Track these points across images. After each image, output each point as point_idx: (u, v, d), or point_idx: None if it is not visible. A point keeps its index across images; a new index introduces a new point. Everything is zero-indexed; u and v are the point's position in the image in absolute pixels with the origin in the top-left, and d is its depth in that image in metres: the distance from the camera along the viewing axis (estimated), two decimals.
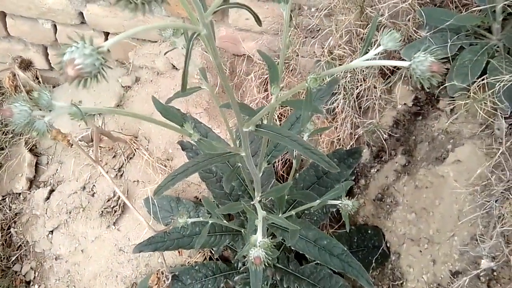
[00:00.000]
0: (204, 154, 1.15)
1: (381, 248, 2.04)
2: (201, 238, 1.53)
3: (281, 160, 2.39)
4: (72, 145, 2.27)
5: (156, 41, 2.57)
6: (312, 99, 0.81)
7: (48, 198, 2.80)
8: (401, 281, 1.94)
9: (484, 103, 1.67)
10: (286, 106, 2.26)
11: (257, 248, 0.93)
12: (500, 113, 1.68)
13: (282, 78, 2.22)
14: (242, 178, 1.71)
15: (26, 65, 2.20)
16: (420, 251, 1.87)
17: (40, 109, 0.75)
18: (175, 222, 1.44)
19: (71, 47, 0.61)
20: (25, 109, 0.71)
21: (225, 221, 1.66)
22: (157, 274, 2.10)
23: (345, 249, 1.58)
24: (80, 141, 2.30)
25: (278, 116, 2.33)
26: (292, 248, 1.67)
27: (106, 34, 2.66)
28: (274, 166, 2.46)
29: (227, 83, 0.91)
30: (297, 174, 1.93)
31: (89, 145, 2.40)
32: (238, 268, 2.23)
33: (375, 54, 0.78)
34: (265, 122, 1.20)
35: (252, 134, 1.21)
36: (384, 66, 2.01)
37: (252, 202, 1.36)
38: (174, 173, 1.12)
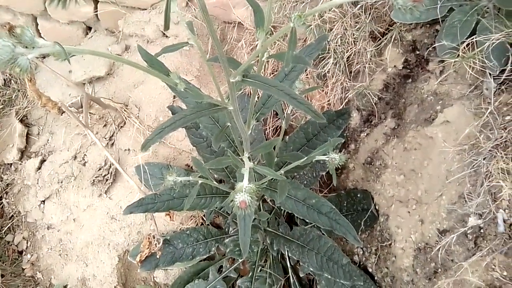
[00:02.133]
0: (192, 107, 1.16)
1: (370, 211, 2.05)
2: (191, 198, 1.54)
3: (272, 126, 2.39)
4: (62, 112, 2.27)
5: (145, 9, 2.55)
6: (295, 38, 0.81)
7: (39, 168, 2.80)
8: (390, 242, 1.96)
9: (473, 62, 1.67)
10: (276, 70, 2.26)
11: (243, 193, 0.94)
12: (489, 73, 1.68)
13: (274, 43, 2.21)
14: (231, 140, 1.71)
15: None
16: (409, 212, 1.89)
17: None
18: (165, 181, 1.44)
19: None
20: (8, 44, 0.70)
21: (215, 183, 1.66)
22: (148, 238, 2.11)
23: (333, 207, 1.60)
24: (70, 107, 2.29)
25: (269, 75, 2.32)
26: (281, 207, 1.68)
27: (96, 2, 2.63)
28: (265, 133, 2.47)
29: (213, 30, 0.91)
30: (287, 137, 1.94)
31: (79, 112, 2.39)
32: (229, 232, 2.25)
33: None
34: None
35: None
36: (374, 29, 2.00)
37: (240, 157, 1.36)
38: (162, 126, 1.12)
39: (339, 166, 1.92)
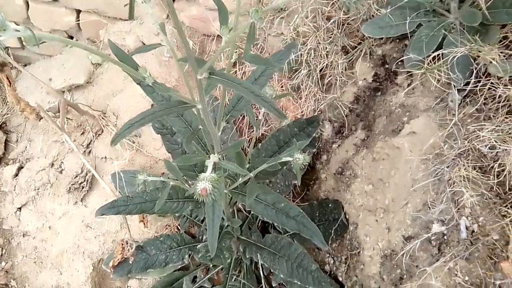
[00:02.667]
0: (161, 104, 1.20)
1: (340, 220, 2.10)
2: (161, 199, 1.57)
3: (248, 137, 2.44)
4: (41, 118, 2.30)
5: (126, 19, 2.60)
6: (255, 32, 0.86)
7: (16, 175, 2.81)
8: (358, 250, 2.01)
9: (438, 74, 1.74)
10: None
11: (204, 181, 0.98)
12: (454, 85, 1.75)
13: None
14: (204, 143, 1.75)
15: None
16: (376, 220, 1.93)
17: None
18: (136, 180, 1.47)
19: None
20: None
21: (187, 185, 1.70)
22: (121, 244, 2.13)
23: (301, 211, 1.64)
24: (48, 111, 2.32)
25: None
26: (253, 213, 1.72)
27: (78, 12, 2.68)
28: (243, 148, 2.52)
29: (181, 29, 0.96)
30: (260, 144, 1.99)
31: (57, 117, 2.41)
32: (203, 240, 2.28)
33: None
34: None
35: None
36: (346, 44, 2.07)
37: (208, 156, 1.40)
38: (131, 122, 1.16)
39: (312, 177, 1.97)
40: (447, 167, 1.68)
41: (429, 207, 1.72)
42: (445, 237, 1.69)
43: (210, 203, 1.41)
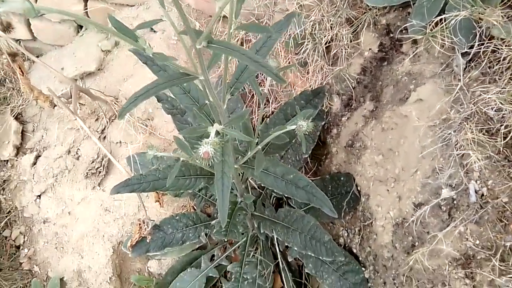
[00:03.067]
0: (164, 76, 1.23)
1: (352, 192, 2.11)
2: (172, 174, 1.60)
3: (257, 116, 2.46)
4: (54, 106, 2.35)
5: (133, 5, 2.63)
6: None
7: (34, 163, 2.87)
8: (371, 221, 2.02)
9: (442, 39, 1.74)
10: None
11: (206, 145, 1.00)
12: (458, 49, 1.75)
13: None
14: (212, 119, 1.77)
15: (5, 27, 2.26)
16: (387, 190, 1.94)
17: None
18: (146, 155, 1.50)
19: None
20: None
21: (197, 161, 1.73)
22: (139, 223, 2.17)
23: (310, 181, 1.66)
24: (60, 97, 2.36)
25: None
26: (259, 182, 1.74)
27: (86, 1, 2.72)
28: (252, 123, 2.54)
29: (179, 6, 0.98)
30: (267, 119, 2.01)
31: (69, 102, 2.46)
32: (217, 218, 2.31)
33: None
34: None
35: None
36: (351, 15, 2.07)
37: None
38: (136, 95, 1.19)
39: (324, 152, 1.98)
40: (454, 131, 1.68)
41: (438, 173, 1.73)
42: (455, 202, 1.69)
43: (220, 175, 1.44)
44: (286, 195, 1.76)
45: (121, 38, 1.04)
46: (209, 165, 1.03)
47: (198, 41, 1.11)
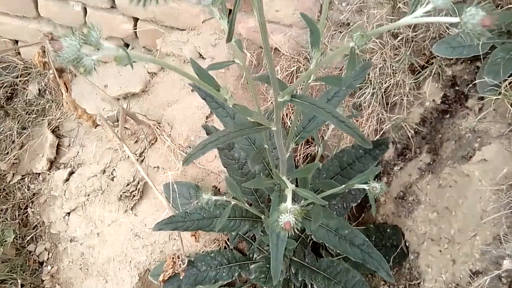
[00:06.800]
0: (235, 125, 1.15)
1: (400, 247, 2.01)
2: (223, 218, 1.53)
3: (303, 153, 2.38)
4: (97, 125, 2.29)
5: (184, 29, 2.58)
6: (356, 58, 0.80)
7: (67, 179, 2.81)
8: (418, 281, 1.91)
9: None
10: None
11: (288, 213, 0.92)
12: None
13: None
14: (266, 162, 1.70)
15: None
16: (440, 251, 1.84)
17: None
18: (200, 198, 1.43)
19: None
20: (74, 44, 0.70)
21: (247, 205, 1.65)
22: (172, 258, 2.09)
23: (366, 239, 1.57)
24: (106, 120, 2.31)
25: None
26: (312, 237, 1.65)
27: (135, 20, 2.67)
28: (295, 160, 2.45)
29: (267, 42, 0.90)
30: (321, 165, 1.92)
31: (114, 126, 2.40)
32: (254, 259, 2.22)
33: (424, 13, 0.76)
34: None
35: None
36: (414, 62, 1.99)
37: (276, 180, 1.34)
38: (205, 142, 1.11)
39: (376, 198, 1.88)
40: None
41: (501, 242, 1.62)
42: None
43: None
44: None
45: (204, 87, 0.96)
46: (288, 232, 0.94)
47: (281, 95, 1.04)
